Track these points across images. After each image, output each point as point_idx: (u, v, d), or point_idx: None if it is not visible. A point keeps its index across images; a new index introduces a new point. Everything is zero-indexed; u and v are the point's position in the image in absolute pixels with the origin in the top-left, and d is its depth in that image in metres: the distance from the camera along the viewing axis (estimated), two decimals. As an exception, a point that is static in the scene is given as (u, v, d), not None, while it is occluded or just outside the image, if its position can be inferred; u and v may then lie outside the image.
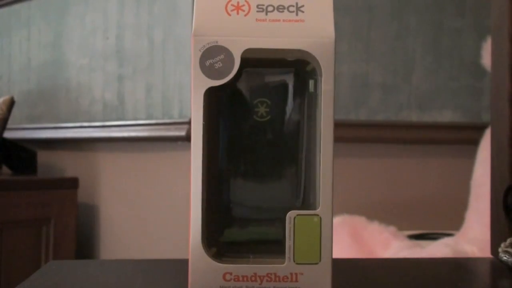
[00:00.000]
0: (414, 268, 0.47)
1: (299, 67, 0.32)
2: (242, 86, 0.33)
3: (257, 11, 0.31)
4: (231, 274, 0.31)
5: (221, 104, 0.33)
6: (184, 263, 0.33)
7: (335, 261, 0.31)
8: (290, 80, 0.33)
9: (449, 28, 1.37)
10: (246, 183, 0.33)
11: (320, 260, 0.31)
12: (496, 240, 0.50)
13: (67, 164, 1.75)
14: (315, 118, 0.32)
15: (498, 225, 0.50)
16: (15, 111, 1.67)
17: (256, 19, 0.31)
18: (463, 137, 1.31)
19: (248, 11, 0.31)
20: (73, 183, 1.57)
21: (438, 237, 1.08)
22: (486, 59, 1.06)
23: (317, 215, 0.31)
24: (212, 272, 0.31)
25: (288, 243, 0.31)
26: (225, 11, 0.31)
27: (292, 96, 0.33)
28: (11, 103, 1.62)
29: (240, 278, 0.31)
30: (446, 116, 1.36)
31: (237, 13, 0.31)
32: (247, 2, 0.32)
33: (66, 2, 1.73)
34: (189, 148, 0.31)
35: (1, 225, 1.42)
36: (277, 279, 0.31)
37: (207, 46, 0.31)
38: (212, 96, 0.31)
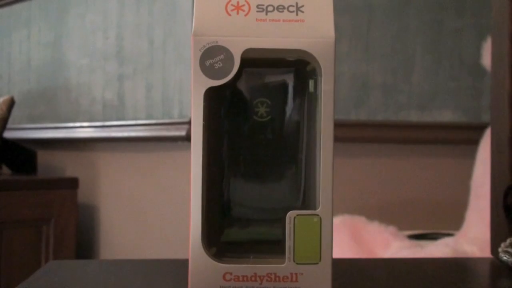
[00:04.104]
0: (414, 268, 0.47)
1: (299, 67, 0.32)
2: (242, 86, 0.33)
3: (257, 11, 0.31)
4: (231, 274, 0.31)
5: (221, 104, 0.33)
6: (184, 263, 0.33)
7: (335, 261, 0.31)
8: (290, 80, 0.33)
9: (449, 28, 1.37)
10: (246, 183, 0.33)
11: (320, 260, 0.31)
12: (496, 240, 0.50)
13: (67, 164, 1.75)
14: (315, 118, 0.32)
15: (498, 225, 0.50)
16: (15, 111, 1.67)
17: (256, 19, 0.31)
18: (463, 137, 1.31)
19: (248, 11, 0.31)
20: (73, 183, 1.57)
21: (438, 237, 1.08)
22: (486, 59, 1.06)
23: (317, 215, 0.31)
24: (212, 272, 0.31)
25: (288, 243, 0.31)
26: (225, 11, 0.31)
27: (292, 96, 0.33)
28: (11, 103, 1.62)
29: (240, 278, 0.31)
30: (446, 116, 1.36)
31: (237, 13, 0.31)
32: (247, 2, 0.32)
33: (66, 2, 1.73)
34: (189, 148, 0.31)
35: (1, 225, 1.42)
36: (277, 279, 0.31)
37: (207, 46, 0.31)
38: (212, 96, 0.31)
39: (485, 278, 0.47)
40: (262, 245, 0.33)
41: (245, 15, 0.31)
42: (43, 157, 1.76)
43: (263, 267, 0.31)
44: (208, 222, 0.31)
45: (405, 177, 1.37)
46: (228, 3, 0.32)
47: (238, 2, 0.32)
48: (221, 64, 0.31)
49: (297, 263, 0.31)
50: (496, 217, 0.51)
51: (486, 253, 0.51)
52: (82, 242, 1.64)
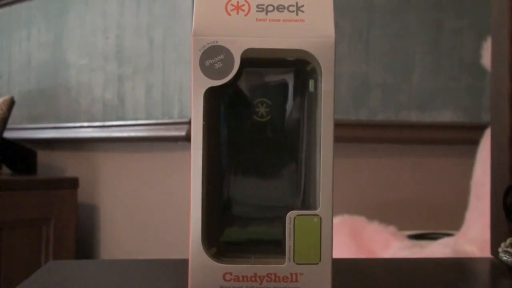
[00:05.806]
0: (414, 268, 0.47)
1: (299, 67, 0.32)
2: (242, 86, 0.33)
3: (257, 11, 0.31)
4: (231, 274, 0.31)
5: (221, 104, 0.33)
6: (184, 263, 0.33)
7: (335, 261, 0.31)
8: (290, 80, 0.33)
9: (449, 28, 1.37)
10: (246, 183, 0.33)
11: (320, 260, 0.31)
12: (496, 240, 0.50)
13: (67, 164, 1.75)
14: (315, 118, 0.32)
15: (498, 225, 0.50)
16: (15, 111, 1.66)
17: (256, 19, 0.31)
18: (463, 137, 1.31)
19: (248, 11, 0.31)
20: (73, 183, 1.57)
21: (438, 237, 1.08)
22: (486, 59, 1.06)
23: (317, 215, 0.31)
24: (212, 272, 0.31)
25: (288, 243, 0.31)
26: (225, 11, 0.31)
27: (292, 96, 0.33)
28: (11, 103, 1.62)
29: (240, 278, 0.31)
30: (446, 116, 1.36)
31: (237, 13, 0.31)
32: (247, 2, 0.32)
33: (66, 2, 1.73)
34: (189, 148, 0.31)
35: (1, 225, 1.42)
36: (277, 279, 0.31)
37: (207, 46, 0.31)
38: (212, 96, 0.31)
39: (485, 278, 0.47)
40: (262, 245, 0.33)
41: (245, 15, 0.31)
42: (43, 157, 1.76)
43: (263, 267, 0.31)
44: (208, 222, 0.31)
45: (405, 177, 1.37)
46: (228, 3, 0.31)
47: (238, 2, 0.32)
48: (221, 64, 0.31)
49: (297, 263, 0.31)
50: (496, 217, 0.51)
51: (486, 253, 0.51)
52: (82, 242, 1.64)
